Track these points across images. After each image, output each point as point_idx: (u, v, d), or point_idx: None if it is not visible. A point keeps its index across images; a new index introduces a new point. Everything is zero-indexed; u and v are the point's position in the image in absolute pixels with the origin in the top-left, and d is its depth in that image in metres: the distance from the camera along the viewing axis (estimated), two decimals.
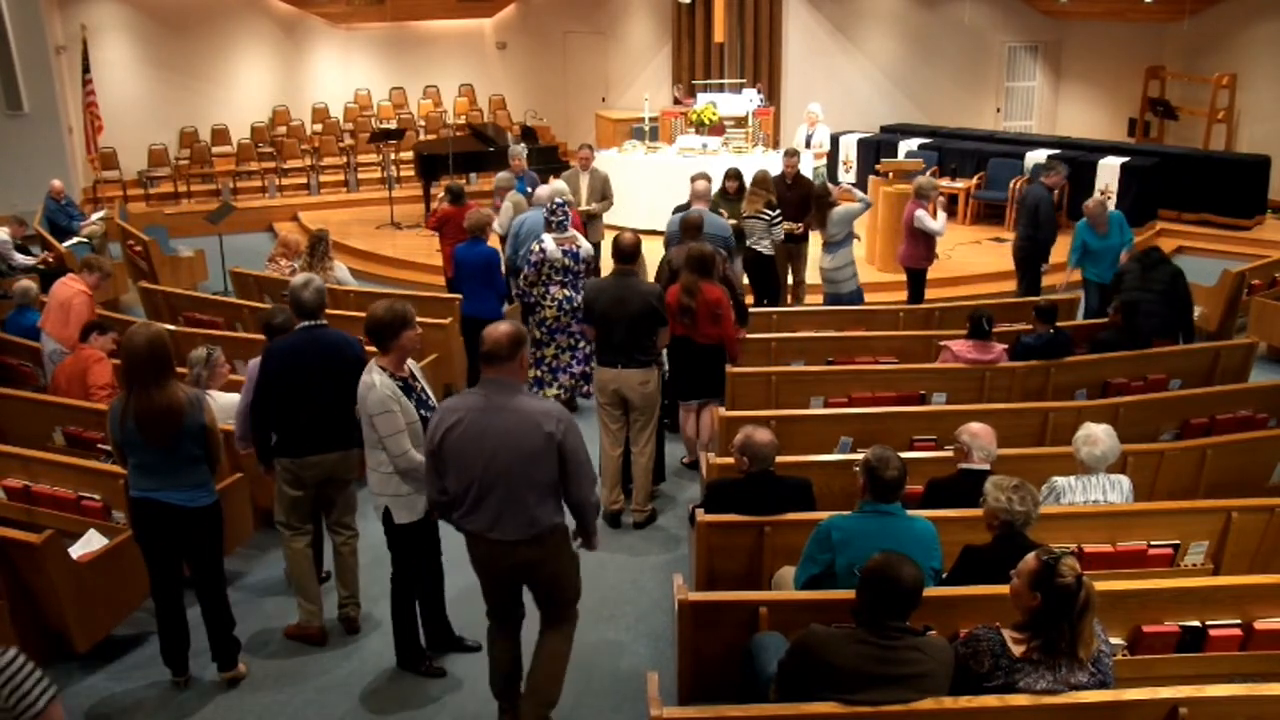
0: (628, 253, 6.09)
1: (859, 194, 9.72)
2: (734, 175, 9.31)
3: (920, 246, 9.17)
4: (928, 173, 11.69)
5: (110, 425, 4.54)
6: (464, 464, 3.99)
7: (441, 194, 10.10)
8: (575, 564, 4.28)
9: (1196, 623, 4.17)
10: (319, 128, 17.08)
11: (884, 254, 11.29)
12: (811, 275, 9.86)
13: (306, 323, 5.03)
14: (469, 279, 7.63)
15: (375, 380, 4.46)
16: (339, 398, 4.85)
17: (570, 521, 4.20)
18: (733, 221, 8.77)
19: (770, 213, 8.82)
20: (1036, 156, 13.75)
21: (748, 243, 8.88)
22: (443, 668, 4.94)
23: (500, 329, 4.03)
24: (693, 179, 8.48)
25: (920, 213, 9.01)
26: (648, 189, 12.30)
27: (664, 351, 6.43)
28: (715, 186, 9.08)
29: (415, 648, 4.93)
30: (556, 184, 8.46)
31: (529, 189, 9.27)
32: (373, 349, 4.71)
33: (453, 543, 4.57)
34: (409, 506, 4.62)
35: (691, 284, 6.30)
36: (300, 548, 5.12)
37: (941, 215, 9.16)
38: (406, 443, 4.47)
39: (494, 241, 8.15)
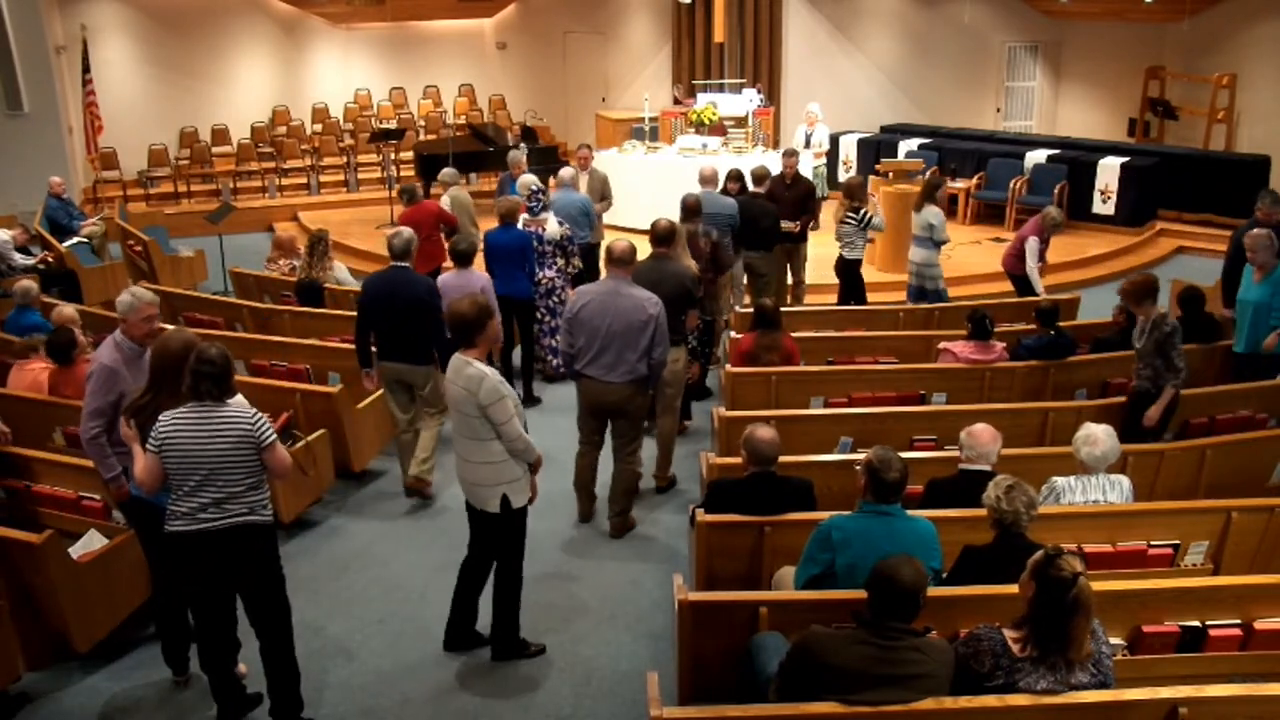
0: (663, 236, 6.54)
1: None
2: (735, 177, 9.31)
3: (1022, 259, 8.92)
4: (928, 173, 11.65)
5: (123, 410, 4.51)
6: (591, 328, 5.82)
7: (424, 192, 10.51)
8: (647, 405, 6.19)
9: (1196, 623, 4.17)
10: (319, 128, 17.09)
11: (883, 254, 11.30)
12: (821, 275, 9.93)
13: (395, 263, 6.44)
14: (502, 262, 7.99)
15: (485, 371, 4.56)
16: (408, 322, 6.29)
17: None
18: None
19: (854, 215, 8.98)
20: (1036, 156, 13.77)
21: (840, 250, 9.19)
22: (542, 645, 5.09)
23: (622, 244, 5.91)
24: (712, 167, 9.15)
25: (1031, 243, 8.71)
26: (648, 189, 12.30)
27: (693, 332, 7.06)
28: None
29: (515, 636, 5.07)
30: (566, 170, 9.46)
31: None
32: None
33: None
34: (522, 490, 4.77)
35: (772, 342, 6.85)
36: (399, 434, 6.65)
37: (1035, 273, 8.84)
38: (520, 426, 4.61)
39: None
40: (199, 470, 4.06)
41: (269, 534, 4.27)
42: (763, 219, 8.86)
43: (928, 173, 12.72)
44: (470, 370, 4.57)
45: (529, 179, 9.07)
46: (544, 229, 8.27)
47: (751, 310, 8.14)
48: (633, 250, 5.93)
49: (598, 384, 5.88)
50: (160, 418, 4.12)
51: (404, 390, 6.57)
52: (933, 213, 8.80)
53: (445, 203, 9.90)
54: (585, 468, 6.28)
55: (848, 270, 9.30)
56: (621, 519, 6.21)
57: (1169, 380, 5.94)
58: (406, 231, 6.57)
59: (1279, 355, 6.77)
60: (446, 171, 10.59)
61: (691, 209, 7.88)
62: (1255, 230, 6.94)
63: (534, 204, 8.34)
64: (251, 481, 4.15)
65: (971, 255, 12.07)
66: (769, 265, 9.13)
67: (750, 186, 9.34)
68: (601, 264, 9.45)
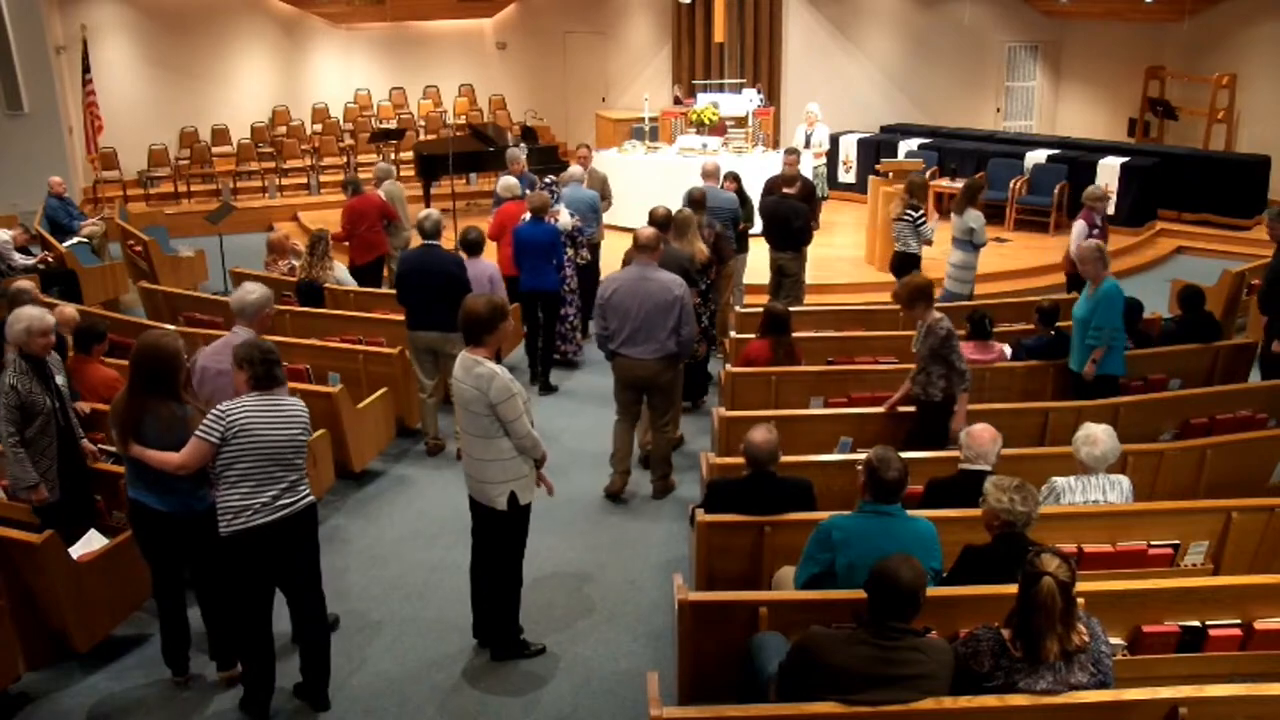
0: (660, 222, 6.93)
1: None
2: (733, 178, 9.35)
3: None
4: (927, 173, 11.66)
5: (111, 419, 4.52)
6: (622, 311, 6.28)
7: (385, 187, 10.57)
8: (680, 379, 6.66)
9: (1196, 623, 4.17)
10: (319, 128, 17.08)
11: (883, 253, 11.28)
12: (821, 275, 9.90)
13: (426, 242, 7.17)
14: (531, 255, 8.22)
15: (495, 369, 4.60)
16: (439, 295, 6.76)
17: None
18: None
19: (913, 213, 9.02)
20: (1036, 156, 13.77)
21: (896, 246, 9.20)
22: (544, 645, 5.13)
23: (647, 231, 6.38)
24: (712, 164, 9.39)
25: (1078, 227, 8.59)
26: (648, 189, 12.25)
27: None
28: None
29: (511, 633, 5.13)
30: (574, 168, 9.67)
31: (528, 189, 9.46)
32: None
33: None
34: (529, 487, 4.83)
35: (788, 348, 6.97)
36: (425, 398, 7.32)
37: (1073, 243, 8.40)
38: (528, 423, 4.68)
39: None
40: (273, 457, 4.20)
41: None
42: (794, 219, 8.96)
43: (927, 172, 12.75)
44: (480, 369, 4.59)
45: (510, 180, 9.25)
46: (556, 220, 8.57)
47: (752, 311, 8.17)
48: (658, 236, 6.33)
49: (630, 361, 6.35)
50: (224, 408, 4.19)
51: (431, 358, 7.16)
52: (974, 216, 8.81)
53: (382, 195, 10.14)
54: (620, 434, 6.67)
55: (904, 266, 9.15)
56: (662, 482, 6.73)
57: (957, 386, 5.75)
58: (435, 213, 7.30)
59: (1112, 375, 6.45)
60: (380, 167, 10.83)
61: (698, 201, 8.13)
62: (1085, 241, 6.80)
63: (549, 197, 8.62)
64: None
65: None
66: (798, 265, 9.21)
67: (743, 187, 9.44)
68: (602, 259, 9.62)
